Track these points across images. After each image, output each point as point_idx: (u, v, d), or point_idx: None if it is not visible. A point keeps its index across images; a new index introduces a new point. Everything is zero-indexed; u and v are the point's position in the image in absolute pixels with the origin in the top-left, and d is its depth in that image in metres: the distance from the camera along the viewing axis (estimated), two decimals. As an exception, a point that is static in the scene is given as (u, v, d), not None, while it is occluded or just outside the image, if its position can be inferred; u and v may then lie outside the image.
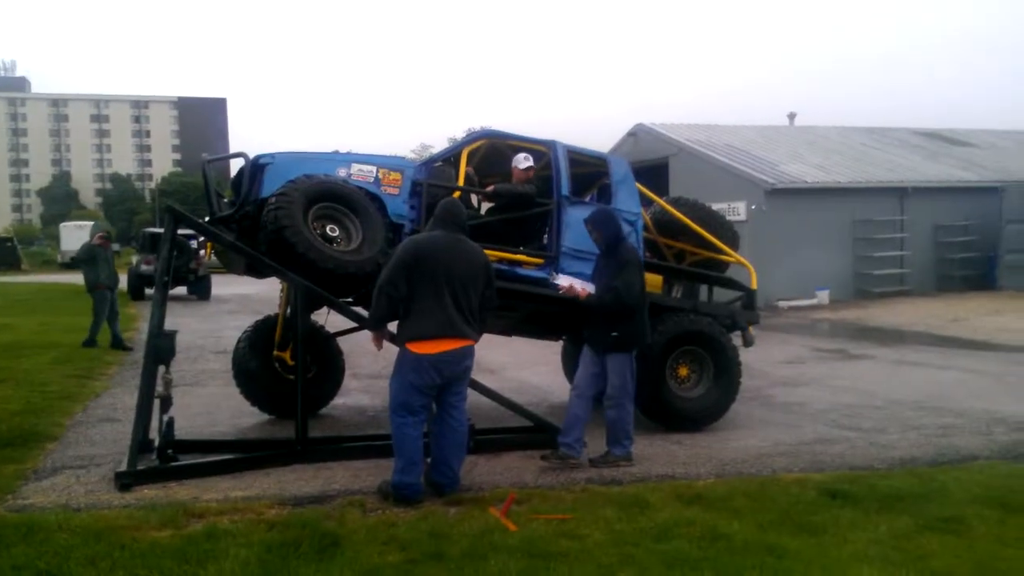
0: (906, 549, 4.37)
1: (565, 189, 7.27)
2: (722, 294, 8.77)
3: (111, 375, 10.30)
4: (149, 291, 20.86)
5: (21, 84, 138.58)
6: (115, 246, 19.31)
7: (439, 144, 70.97)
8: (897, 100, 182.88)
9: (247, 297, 23.14)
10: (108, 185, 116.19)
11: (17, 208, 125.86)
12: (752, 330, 8.08)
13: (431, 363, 5.11)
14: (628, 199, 7.61)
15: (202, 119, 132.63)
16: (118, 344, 12.57)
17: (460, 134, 72.26)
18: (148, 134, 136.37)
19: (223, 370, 10.47)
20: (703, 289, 8.81)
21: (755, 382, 7.91)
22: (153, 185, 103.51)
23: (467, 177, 7.28)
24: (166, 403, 5.91)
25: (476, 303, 5.30)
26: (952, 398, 8.79)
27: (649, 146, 24.19)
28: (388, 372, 5.47)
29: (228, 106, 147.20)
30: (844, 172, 22.29)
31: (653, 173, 21.44)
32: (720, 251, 8.41)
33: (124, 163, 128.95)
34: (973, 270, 21.90)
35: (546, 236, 7.51)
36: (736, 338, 7.82)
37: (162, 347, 5.85)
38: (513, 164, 7.40)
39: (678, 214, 8.28)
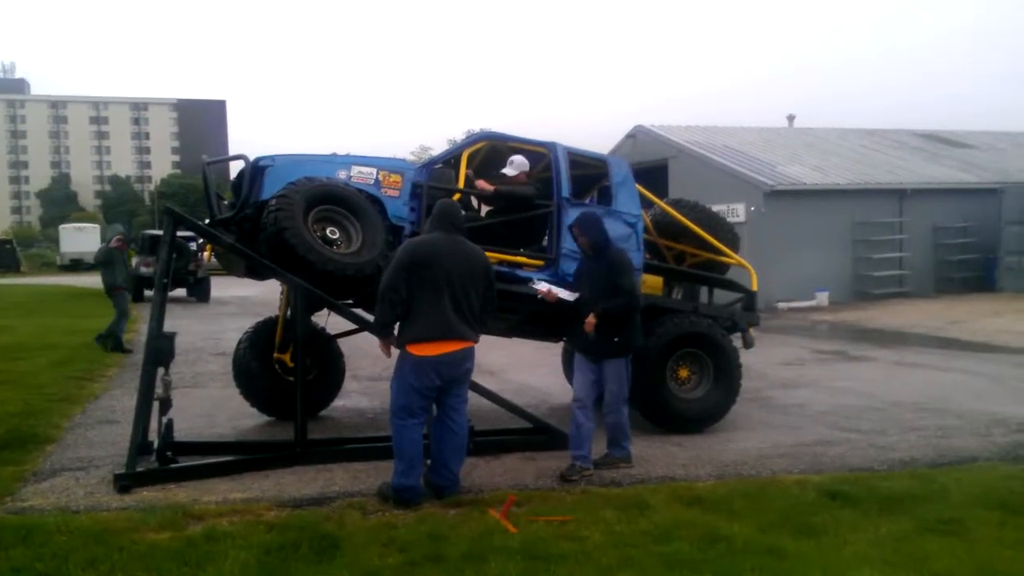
0: (906, 551, 4.37)
1: (565, 191, 7.27)
2: (722, 296, 8.77)
3: (110, 377, 10.30)
4: (148, 293, 20.83)
5: (20, 86, 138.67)
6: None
7: (438, 146, 70.97)
8: (896, 101, 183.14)
9: (246, 299, 23.13)
10: (107, 187, 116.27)
11: (16, 210, 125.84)
12: (752, 332, 8.08)
13: (431, 365, 5.10)
14: (628, 201, 7.61)
15: (201, 121, 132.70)
16: (118, 347, 12.57)
17: (459, 136, 72.32)
18: (147, 136, 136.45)
19: (222, 372, 10.47)
20: (703, 291, 8.82)
21: (755, 384, 7.91)
22: (152, 187, 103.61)
23: (467, 179, 7.28)
24: (165, 405, 5.91)
25: (477, 304, 5.29)
26: (952, 400, 8.79)
27: (648, 148, 24.21)
28: (388, 374, 5.48)
29: (227, 108, 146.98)
30: (843, 174, 22.30)
31: (652, 175, 21.45)
32: (720, 253, 8.41)
33: (123, 165, 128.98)
34: (972, 272, 21.91)
35: (546, 238, 7.51)
36: (736, 340, 7.82)
37: (161, 349, 5.85)
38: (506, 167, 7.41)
39: (679, 216, 8.28)
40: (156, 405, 5.84)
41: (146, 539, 4.45)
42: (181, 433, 6.35)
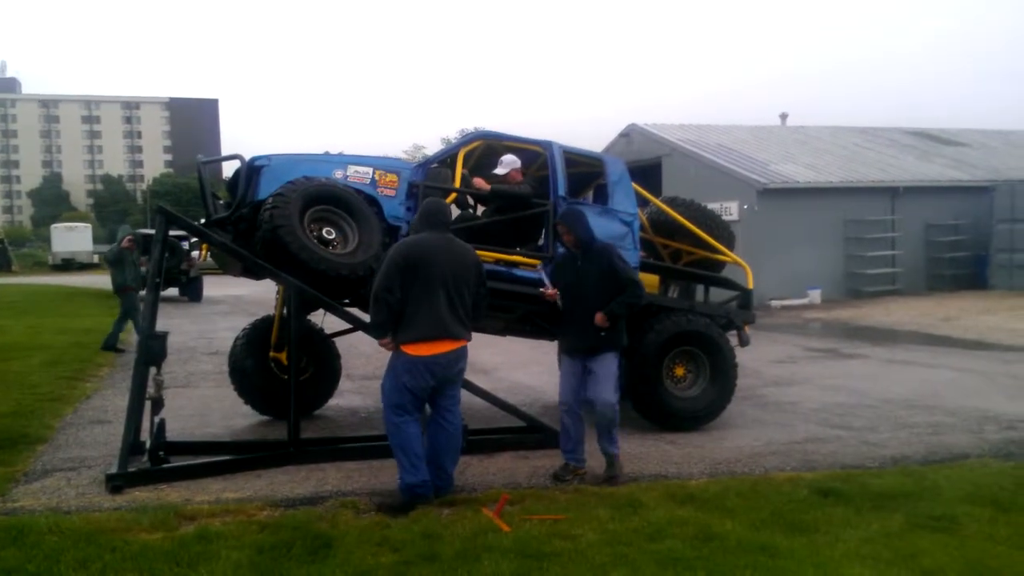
0: (897, 547, 4.39)
1: (562, 190, 7.27)
2: (717, 294, 8.79)
3: (102, 377, 10.26)
4: (140, 292, 20.77)
5: (11, 85, 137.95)
6: (106, 247, 19.35)
7: (431, 144, 70.96)
8: (891, 102, 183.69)
9: (239, 298, 23.08)
10: (99, 186, 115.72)
11: (8, 210, 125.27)
12: (748, 330, 8.11)
13: (425, 365, 5.09)
14: (624, 199, 7.62)
15: (193, 120, 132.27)
16: (110, 346, 12.53)
17: (453, 135, 72.28)
18: (139, 135, 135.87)
19: (215, 371, 10.46)
20: (698, 288, 8.83)
21: (747, 381, 7.93)
22: (144, 186, 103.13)
23: (463, 178, 7.28)
24: (157, 405, 5.90)
25: (469, 302, 5.29)
26: (943, 397, 8.82)
27: (642, 146, 24.24)
28: (381, 373, 5.46)
29: (219, 107, 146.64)
30: (835, 172, 22.37)
31: (646, 173, 21.45)
32: (716, 251, 8.43)
33: (115, 164, 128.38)
34: (964, 269, 22.00)
35: (542, 237, 7.52)
36: (732, 337, 7.84)
37: (153, 348, 5.84)
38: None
39: (675, 214, 8.30)
40: (148, 405, 5.83)
41: (138, 539, 4.44)
42: (173, 433, 6.34)
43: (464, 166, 7.31)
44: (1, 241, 52.96)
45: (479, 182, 7.24)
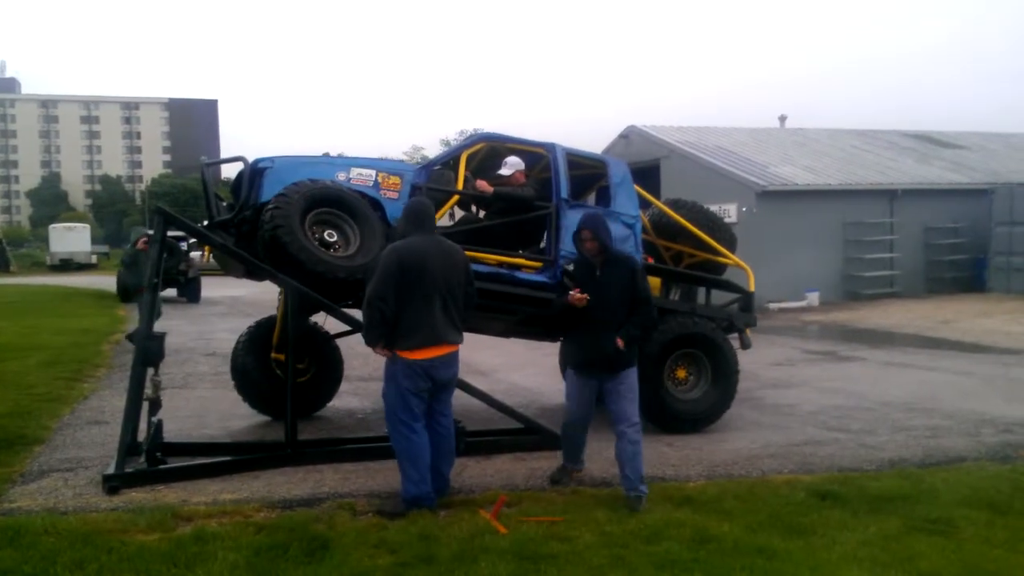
0: (895, 550, 4.39)
1: (564, 192, 7.28)
2: (718, 296, 8.78)
3: (99, 377, 10.25)
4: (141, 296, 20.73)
5: (11, 85, 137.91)
6: (104, 248, 19.37)
7: (431, 146, 71.02)
8: (887, 103, 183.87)
9: (237, 299, 23.06)
10: (98, 187, 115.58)
11: (6, 210, 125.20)
12: (749, 332, 8.12)
13: (423, 368, 5.06)
14: (627, 202, 7.62)
15: (193, 121, 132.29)
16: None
17: (452, 136, 72.37)
18: (138, 135, 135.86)
19: (212, 373, 10.45)
20: (698, 291, 8.83)
21: (745, 384, 7.94)
22: (143, 187, 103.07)
23: (466, 180, 7.29)
24: (155, 406, 5.89)
25: (461, 303, 5.27)
26: (941, 400, 8.83)
27: (641, 148, 24.23)
28: (378, 375, 5.46)
29: (219, 108, 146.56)
30: (834, 174, 22.37)
31: (645, 175, 21.40)
32: (718, 253, 8.44)
33: (114, 165, 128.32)
34: (962, 272, 22.00)
35: (544, 239, 7.52)
36: (732, 340, 7.84)
37: (151, 349, 5.83)
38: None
39: (677, 217, 8.31)
40: (146, 406, 5.83)
41: (135, 540, 4.44)
42: (170, 434, 6.33)
43: (467, 168, 7.32)
44: (-1, 241, 52.95)
45: (482, 184, 7.25)
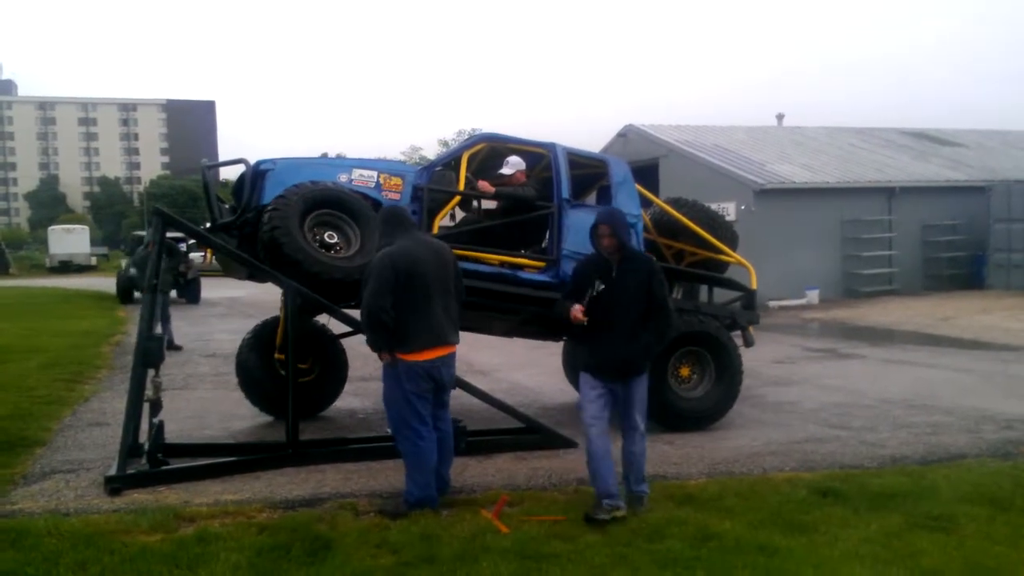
0: (896, 547, 4.39)
1: (565, 192, 7.28)
2: (720, 294, 8.79)
3: (100, 379, 10.25)
4: (138, 295, 20.73)
5: (8, 87, 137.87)
6: (104, 249, 19.34)
7: (429, 146, 70.98)
8: (885, 100, 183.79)
9: (237, 300, 23.04)
10: (96, 188, 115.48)
11: (5, 212, 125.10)
12: (752, 330, 8.13)
13: (425, 370, 5.05)
14: (628, 201, 7.63)
15: (191, 122, 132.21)
16: (170, 346, 12.39)
17: (450, 136, 72.36)
18: (136, 137, 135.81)
19: (213, 373, 10.45)
20: (700, 289, 8.84)
21: (746, 381, 7.94)
22: (142, 188, 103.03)
23: (468, 181, 7.30)
24: (156, 407, 5.90)
25: (455, 300, 5.26)
26: (941, 396, 8.83)
27: (639, 147, 24.22)
28: (379, 375, 5.45)
29: (217, 109, 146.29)
30: (832, 172, 22.38)
31: (643, 174, 21.29)
32: (720, 251, 8.44)
33: (112, 166, 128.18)
34: (961, 269, 22.02)
35: (546, 239, 7.53)
36: (735, 338, 7.86)
37: (151, 350, 5.83)
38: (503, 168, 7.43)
39: (679, 215, 8.32)
40: (147, 407, 5.83)
41: (137, 541, 4.44)
42: (172, 435, 6.33)
43: (468, 169, 7.32)
44: (-2, 243, 52.89)
45: (483, 185, 7.26)
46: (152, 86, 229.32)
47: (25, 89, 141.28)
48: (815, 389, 9.49)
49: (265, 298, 18.81)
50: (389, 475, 5.74)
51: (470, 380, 6.70)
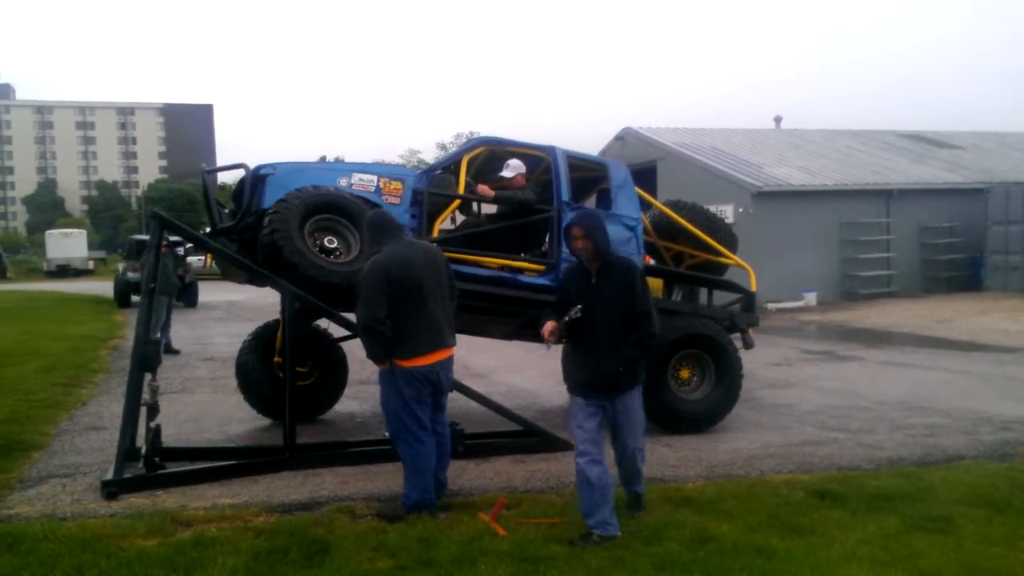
0: (894, 549, 4.39)
1: (565, 195, 7.29)
2: (718, 296, 8.79)
3: (97, 383, 10.24)
4: (136, 298, 20.72)
5: (6, 91, 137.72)
6: (101, 253, 19.28)
7: (427, 149, 71.01)
8: (882, 103, 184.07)
9: (235, 304, 23.04)
10: (94, 192, 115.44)
11: (2, 216, 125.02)
12: (751, 332, 8.13)
13: (424, 375, 5.04)
14: (628, 204, 7.64)
15: (188, 126, 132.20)
16: (168, 349, 12.38)
17: (449, 139, 72.45)
18: (134, 141, 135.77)
19: (210, 377, 10.44)
20: (700, 291, 8.84)
21: (744, 384, 7.94)
22: (139, 192, 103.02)
23: (467, 184, 7.30)
24: (153, 411, 5.89)
25: (449, 301, 5.26)
26: (939, 398, 8.84)
27: (636, 150, 24.26)
28: (376, 378, 5.44)
29: (214, 113, 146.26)
30: (830, 175, 22.41)
31: (641, 177, 21.35)
32: (719, 254, 8.45)
33: (110, 170, 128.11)
34: (959, 271, 22.03)
35: (546, 242, 7.53)
36: (735, 340, 7.86)
37: (148, 354, 5.83)
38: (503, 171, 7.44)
39: (678, 218, 8.33)
40: (144, 411, 5.82)
41: (134, 546, 4.43)
42: (169, 439, 6.32)
43: (467, 172, 7.33)
44: (-4, 248, 52.84)
45: (483, 188, 7.27)
46: (150, 90, 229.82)
47: (23, 93, 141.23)
48: (813, 391, 9.49)
49: (264, 302, 18.81)
50: (387, 478, 5.74)
51: (467, 383, 6.70)
